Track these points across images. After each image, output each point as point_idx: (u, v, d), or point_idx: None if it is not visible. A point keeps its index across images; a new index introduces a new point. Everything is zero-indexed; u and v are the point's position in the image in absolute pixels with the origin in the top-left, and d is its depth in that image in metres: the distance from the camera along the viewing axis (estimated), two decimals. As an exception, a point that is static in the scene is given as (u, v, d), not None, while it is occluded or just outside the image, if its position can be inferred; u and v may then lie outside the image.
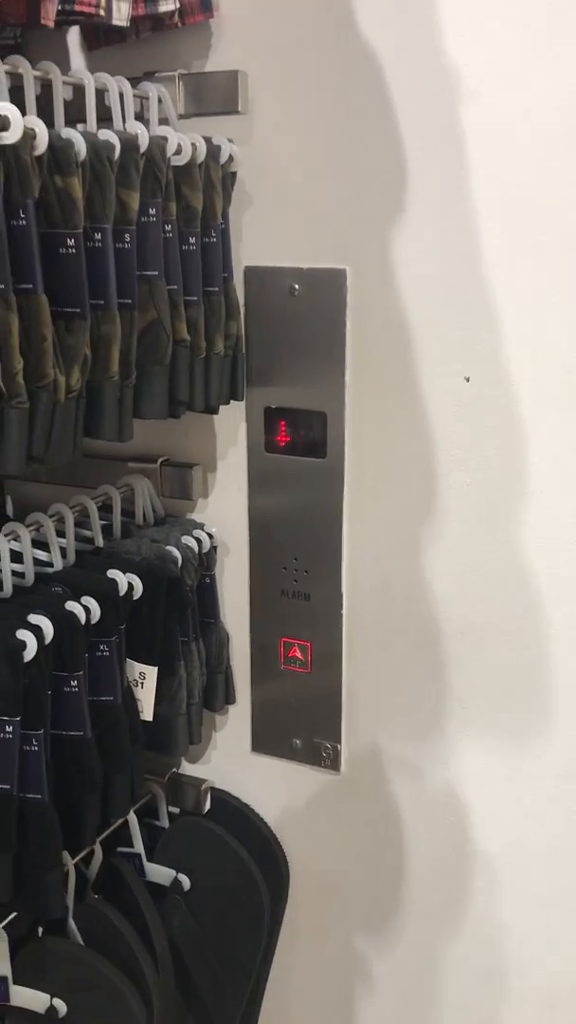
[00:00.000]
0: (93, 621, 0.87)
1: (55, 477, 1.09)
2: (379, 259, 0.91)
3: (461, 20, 0.83)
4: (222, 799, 1.14)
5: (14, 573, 0.89)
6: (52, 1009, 0.93)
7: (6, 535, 0.88)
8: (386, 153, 0.88)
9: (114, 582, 0.89)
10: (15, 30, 0.94)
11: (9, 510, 1.17)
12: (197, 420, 1.02)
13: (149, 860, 1.09)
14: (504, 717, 0.96)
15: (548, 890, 0.99)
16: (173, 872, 1.09)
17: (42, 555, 0.92)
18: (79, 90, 0.80)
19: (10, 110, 0.66)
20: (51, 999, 0.93)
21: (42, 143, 0.69)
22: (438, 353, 0.91)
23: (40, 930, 0.97)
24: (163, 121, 0.89)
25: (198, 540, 1.00)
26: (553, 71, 0.81)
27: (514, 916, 1.02)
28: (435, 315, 0.90)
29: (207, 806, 1.13)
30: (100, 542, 0.97)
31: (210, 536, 1.02)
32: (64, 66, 0.77)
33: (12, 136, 0.66)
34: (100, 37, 0.94)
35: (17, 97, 0.72)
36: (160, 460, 1.05)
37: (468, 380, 0.90)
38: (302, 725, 1.07)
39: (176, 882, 1.09)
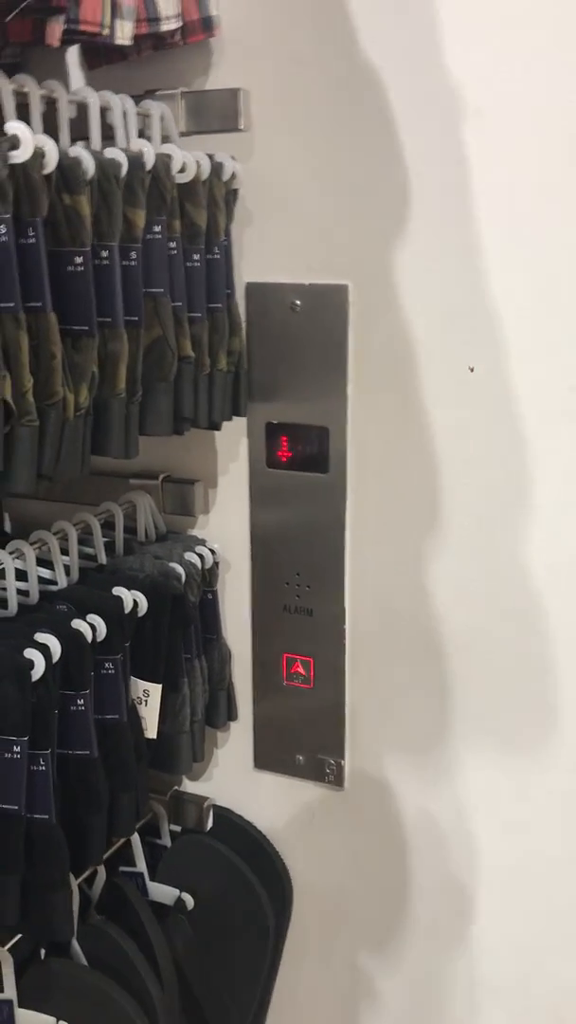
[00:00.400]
0: (99, 639, 0.86)
1: (53, 494, 1.08)
2: (381, 275, 0.91)
3: (463, 37, 0.84)
4: (224, 816, 1.13)
5: (18, 591, 0.88)
6: (58, 1032, 0.92)
7: (10, 553, 0.88)
8: (387, 169, 0.89)
9: (119, 600, 0.89)
10: (16, 48, 0.94)
11: (7, 527, 1.16)
12: (198, 436, 1.02)
13: (152, 879, 1.08)
14: (509, 732, 0.97)
15: (554, 905, 0.99)
16: (176, 891, 1.08)
17: (45, 573, 0.92)
18: (81, 108, 0.80)
19: (20, 129, 0.66)
20: (56, 1021, 0.92)
21: (51, 161, 0.69)
22: (441, 368, 0.91)
23: (43, 952, 0.96)
24: (165, 139, 0.89)
25: (200, 556, 1.00)
26: (556, 88, 0.81)
27: (520, 931, 1.02)
28: (437, 331, 0.90)
29: (209, 824, 1.13)
30: (103, 559, 0.97)
31: (212, 552, 1.02)
32: (64, 85, 0.77)
33: (23, 155, 0.66)
34: (101, 56, 0.94)
35: (21, 116, 0.72)
36: (161, 476, 1.05)
37: (473, 391, 0.90)
38: (305, 741, 1.07)
39: (179, 901, 1.08)
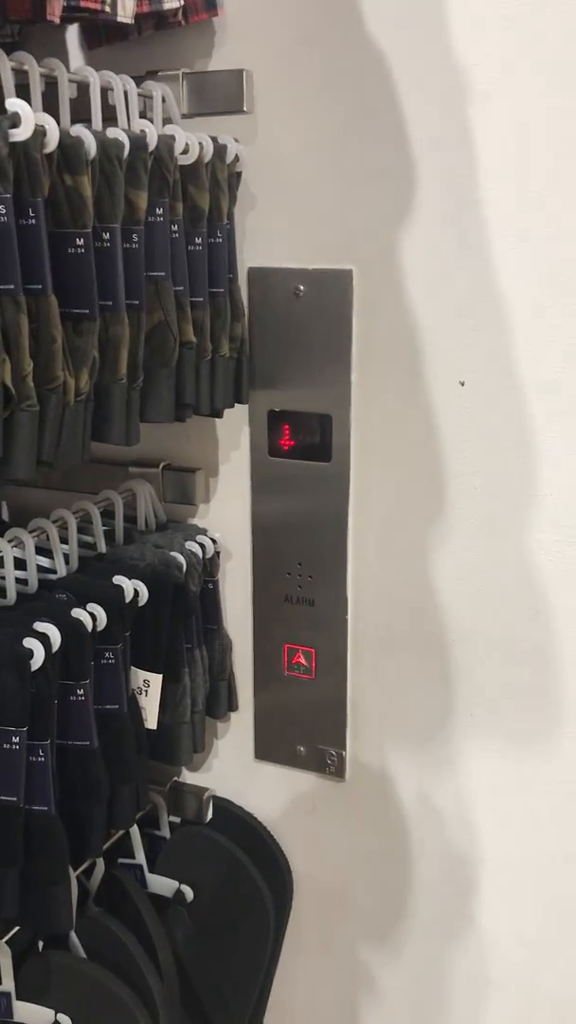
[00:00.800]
0: (99, 628, 0.85)
1: (52, 482, 1.07)
2: (386, 260, 0.90)
3: (469, 19, 0.82)
4: (224, 808, 1.12)
5: (16, 580, 0.87)
6: (57, 1024, 0.91)
7: (9, 541, 0.87)
8: (393, 153, 0.87)
9: (120, 589, 0.87)
10: (14, 27, 0.93)
11: (5, 516, 1.15)
12: (199, 424, 1.01)
13: (151, 871, 1.07)
14: (512, 723, 0.96)
15: (557, 898, 0.98)
16: (175, 883, 1.07)
17: (44, 561, 0.91)
18: (82, 89, 0.79)
19: (21, 106, 0.65)
20: (55, 1014, 0.92)
21: (52, 141, 0.67)
22: (446, 355, 0.90)
23: (41, 944, 0.95)
24: (166, 121, 0.88)
25: (201, 545, 0.99)
26: (563, 72, 0.80)
27: (522, 925, 1.01)
28: (442, 316, 0.89)
29: (209, 815, 1.12)
30: (103, 548, 0.96)
31: (213, 541, 1.01)
32: (64, 65, 0.76)
33: (23, 133, 0.65)
34: (101, 35, 0.93)
35: (21, 95, 0.70)
36: (162, 464, 1.04)
37: (478, 380, 0.89)
38: (306, 732, 1.06)
39: (178, 893, 1.07)
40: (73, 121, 0.76)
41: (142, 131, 0.77)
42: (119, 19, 0.79)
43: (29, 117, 0.65)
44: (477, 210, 0.85)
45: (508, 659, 0.94)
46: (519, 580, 0.92)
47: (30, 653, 0.77)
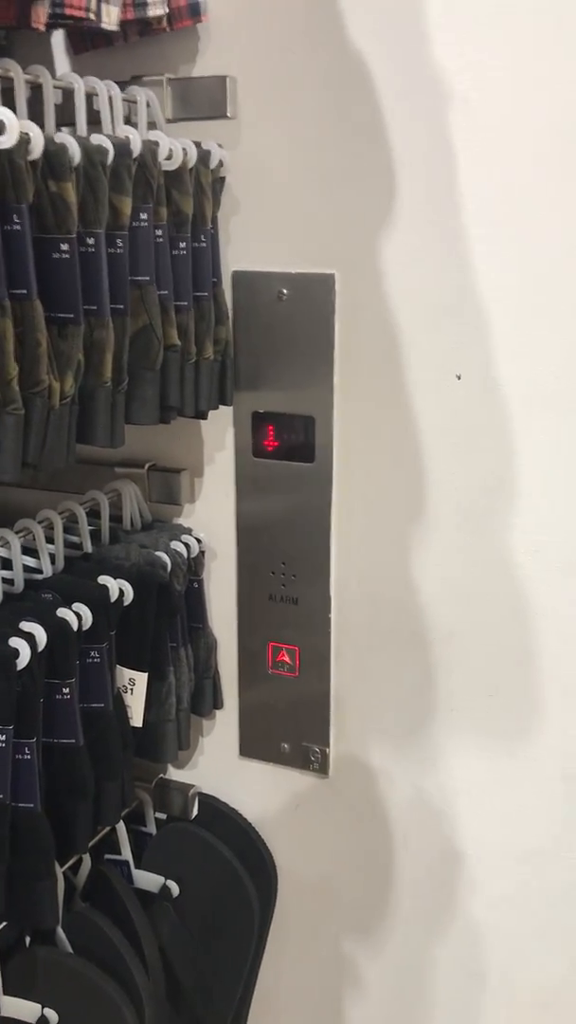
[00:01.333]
0: (84, 628, 0.86)
1: (38, 482, 1.07)
2: (367, 264, 0.91)
3: (450, 26, 0.83)
4: (210, 804, 1.14)
5: (3, 580, 0.88)
6: (43, 1019, 0.92)
7: (-5, 542, 0.88)
8: (375, 158, 0.88)
9: (105, 588, 0.88)
10: (1, 32, 0.93)
11: (-8, 515, 1.16)
12: (184, 425, 1.02)
13: (137, 867, 1.08)
14: (493, 720, 0.97)
15: (536, 892, 1.00)
16: (161, 878, 1.08)
17: (30, 561, 0.91)
18: (67, 94, 0.80)
19: (5, 114, 0.66)
20: (42, 1009, 0.92)
21: (37, 147, 0.68)
22: (427, 357, 0.91)
23: (28, 939, 0.96)
24: (151, 126, 0.89)
25: (186, 545, 1.00)
26: (542, 78, 0.81)
27: (502, 918, 1.03)
28: (423, 319, 0.91)
29: (195, 811, 1.13)
30: (88, 548, 0.97)
31: (198, 541, 1.02)
32: (49, 70, 0.77)
33: (8, 141, 0.66)
34: (86, 41, 0.94)
35: (6, 101, 0.71)
36: (147, 465, 1.05)
37: (458, 381, 0.90)
38: (290, 729, 1.07)
39: (164, 888, 1.08)
40: (59, 125, 0.77)
41: (126, 137, 0.78)
42: (104, 26, 0.80)
43: (14, 125, 0.66)
44: (458, 214, 0.86)
45: (489, 657, 0.96)
46: (499, 579, 0.93)
47: (16, 652, 0.78)
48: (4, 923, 0.91)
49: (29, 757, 0.81)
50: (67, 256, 0.73)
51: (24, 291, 0.70)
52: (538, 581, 0.92)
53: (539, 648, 0.94)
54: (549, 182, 0.83)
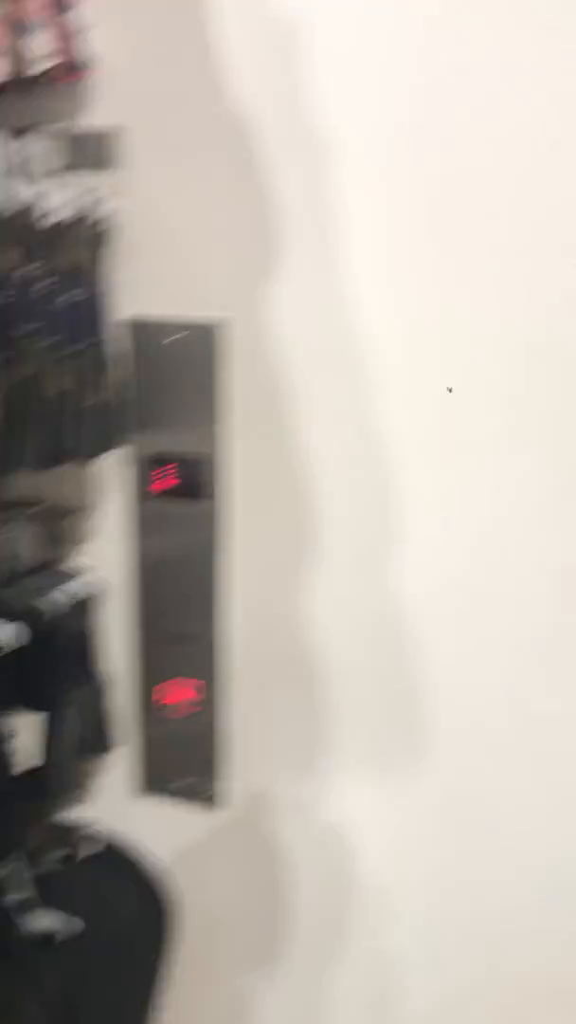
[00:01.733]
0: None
1: None
2: (258, 310, 0.94)
3: (331, 79, 0.87)
4: (109, 842, 1.13)
5: None
6: None
7: None
8: (262, 207, 0.91)
9: (-4, 632, 0.89)
10: None
11: None
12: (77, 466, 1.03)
13: (35, 908, 1.08)
14: (383, 752, 1.00)
15: (431, 917, 1.03)
16: (60, 919, 1.08)
17: None
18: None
19: None
20: None
21: None
22: (315, 398, 0.94)
23: None
24: (40, 176, 0.90)
25: (79, 586, 1.00)
26: (419, 130, 0.85)
27: (399, 944, 1.05)
28: (310, 362, 0.94)
29: (94, 850, 1.12)
30: (-21, 591, 0.97)
31: (91, 581, 1.03)
32: None
33: None
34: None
35: None
36: (41, 506, 1.05)
37: (347, 424, 0.93)
38: (189, 765, 1.08)
39: (64, 927, 1.07)
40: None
41: (12, 190, 0.79)
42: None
43: None
44: (344, 263, 0.90)
45: (380, 693, 0.98)
46: (389, 616, 0.96)
47: None
48: None
49: None
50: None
51: None
52: (427, 619, 0.95)
53: (428, 680, 0.97)
54: (440, 228, 0.87)
